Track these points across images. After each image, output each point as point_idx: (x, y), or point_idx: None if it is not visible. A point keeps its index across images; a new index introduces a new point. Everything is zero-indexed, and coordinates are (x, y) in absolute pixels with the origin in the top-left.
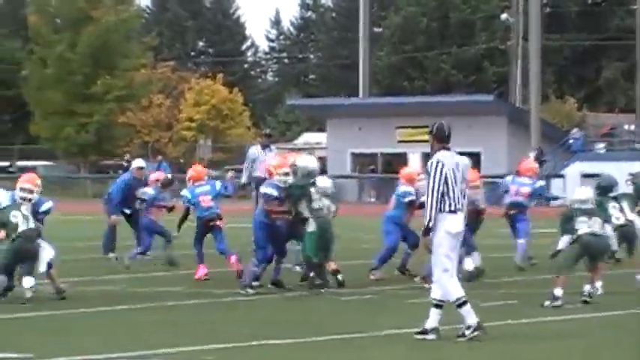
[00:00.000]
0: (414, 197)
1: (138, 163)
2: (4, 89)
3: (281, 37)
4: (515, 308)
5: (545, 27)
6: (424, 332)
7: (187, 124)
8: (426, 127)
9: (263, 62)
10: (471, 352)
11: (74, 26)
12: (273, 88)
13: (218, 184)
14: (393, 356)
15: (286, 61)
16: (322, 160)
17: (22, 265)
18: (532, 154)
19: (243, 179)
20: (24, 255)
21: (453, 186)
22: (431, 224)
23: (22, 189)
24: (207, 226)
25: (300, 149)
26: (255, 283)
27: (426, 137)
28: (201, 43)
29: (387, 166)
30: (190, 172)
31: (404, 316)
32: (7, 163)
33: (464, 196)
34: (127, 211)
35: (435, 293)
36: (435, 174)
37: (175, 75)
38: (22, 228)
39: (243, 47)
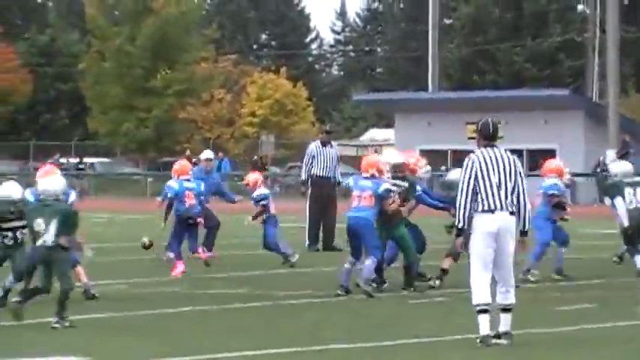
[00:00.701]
0: (556, 191)
1: (206, 154)
2: (61, 83)
3: (347, 29)
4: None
5: (623, 18)
6: (497, 336)
7: (249, 120)
8: (499, 123)
9: (328, 55)
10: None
11: (133, 19)
12: (338, 82)
13: (202, 186)
14: None
15: (352, 54)
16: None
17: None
18: (611, 152)
19: (303, 176)
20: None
21: (486, 184)
22: (460, 225)
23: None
24: (186, 223)
25: (366, 146)
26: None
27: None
28: (264, 36)
29: (457, 164)
30: (175, 167)
31: (473, 320)
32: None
33: (513, 194)
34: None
35: (506, 299)
36: (464, 173)
37: (237, 69)
38: (43, 239)
39: (308, 40)
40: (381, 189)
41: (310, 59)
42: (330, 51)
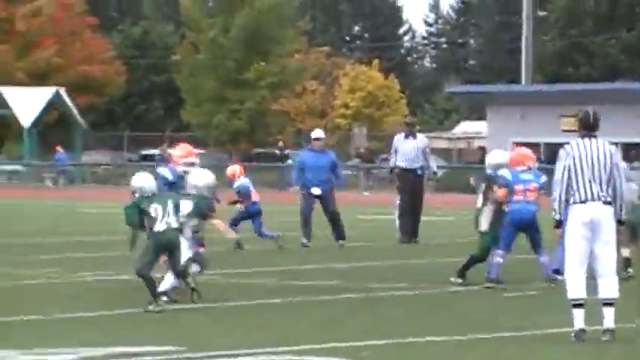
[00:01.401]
0: None
1: (316, 133)
2: (155, 75)
3: (440, 22)
4: None
5: None
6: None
7: (342, 112)
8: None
9: (420, 47)
10: None
11: (227, 10)
12: (430, 74)
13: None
14: (556, 356)
15: (445, 46)
16: (482, 150)
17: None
18: None
19: (391, 164)
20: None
21: (579, 176)
22: (557, 217)
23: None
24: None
25: (458, 139)
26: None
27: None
28: (356, 28)
29: (551, 157)
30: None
31: (567, 315)
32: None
33: (608, 185)
34: (317, 192)
35: (606, 292)
36: (559, 164)
37: (330, 61)
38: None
39: (400, 32)
40: (542, 180)
41: (403, 51)
42: (422, 43)
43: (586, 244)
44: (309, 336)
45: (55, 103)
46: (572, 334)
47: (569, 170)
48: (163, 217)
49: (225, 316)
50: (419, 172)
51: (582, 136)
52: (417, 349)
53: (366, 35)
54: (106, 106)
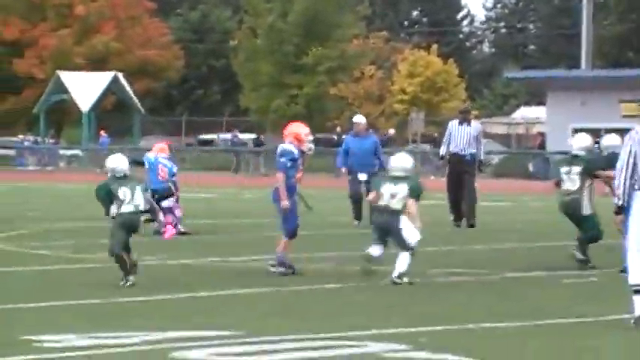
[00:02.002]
0: None
1: (356, 118)
2: (214, 60)
3: (499, 6)
4: None
5: None
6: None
7: (400, 97)
8: None
9: (479, 32)
10: None
11: None
12: (489, 59)
13: (175, 168)
14: (611, 344)
15: (504, 31)
16: (541, 135)
17: None
18: None
19: (441, 153)
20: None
21: None
22: (620, 203)
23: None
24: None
25: (517, 124)
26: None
27: None
28: (415, 13)
29: None
30: (160, 146)
31: (624, 301)
32: (214, 136)
33: None
34: (363, 178)
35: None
36: (623, 150)
37: (388, 45)
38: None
39: (459, 17)
40: None
41: (461, 36)
42: (481, 28)
43: None
44: (367, 322)
45: (113, 88)
46: (632, 321)
47: (635, 156)
48: (131, 200)
49: (283, 302)
50: (468, 158)
51: None
52: (476, 335)
53: (425, 20)
54: (164, 90)
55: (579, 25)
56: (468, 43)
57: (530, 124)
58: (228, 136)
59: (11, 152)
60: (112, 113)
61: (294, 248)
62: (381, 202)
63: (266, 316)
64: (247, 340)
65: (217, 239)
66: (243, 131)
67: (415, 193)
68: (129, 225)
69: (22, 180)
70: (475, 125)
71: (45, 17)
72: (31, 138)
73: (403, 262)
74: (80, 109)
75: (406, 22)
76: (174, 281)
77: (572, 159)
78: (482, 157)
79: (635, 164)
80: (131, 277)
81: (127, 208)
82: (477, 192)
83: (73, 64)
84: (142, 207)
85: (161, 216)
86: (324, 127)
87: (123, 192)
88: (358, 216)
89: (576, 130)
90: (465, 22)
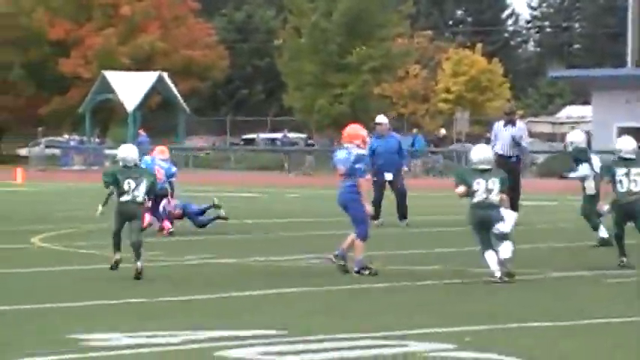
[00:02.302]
0: None
1: (378, 118)
2: (258, 59)
3: (544, 5)
4: None
5: None
6: None
7: (444, 96)
8: None
9: (524, 31)
10: None
11: None
12: (534, 58)
13: (174, 169)
14: None
15: (549, 30)
16: (587, 134)
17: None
18: None
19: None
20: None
21: None
22: None
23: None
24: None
25: (562, 123)
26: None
27: None
28: (459, 12)
29: None
30: (160, 148)
31: None
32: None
33: None
34: (389, 178)
35: None
36: None
37: (432, 45)
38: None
39: (504, 16)
40: None
41: (506, 35)
42: (526, 27)
43: None
44: (412, 321)
45: (158, 88)
46: None
47: None
48: (133, 190)
49: (326, 301)
50: (514, 159)
51: None
52: (520, 334)
53: (469, 19)
54: (209, 90)
55: (624, 24)
56: (512, 42)
57: (575, 124)
58: (273, 135)
59: (57, 152)
60: (157, 113)
61: (335, 247)
62: (477, 198)
63: (309, 315)
64: (290, 339)
65: (261, 239)
66: (289, 131)
67: (505, 185)
68: (125, 214)
69: (67, 180)
70: (519, 126)
71: (91, 17)
72: (77, 138)
73: (507, 250)
74: (125, 109)
75: (451, 22)
76: (218, 280)
77: (627, 161)
78: (521, 156)
79: None
80: (116, 267)
81: (124, 198)
82: (520, 191)
83: (118, 63)
84: (139, 199)
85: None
86: (368, 127)
87: (127, 183)
88: (377, 216)
89: (621, 130)
90: (510, 21)
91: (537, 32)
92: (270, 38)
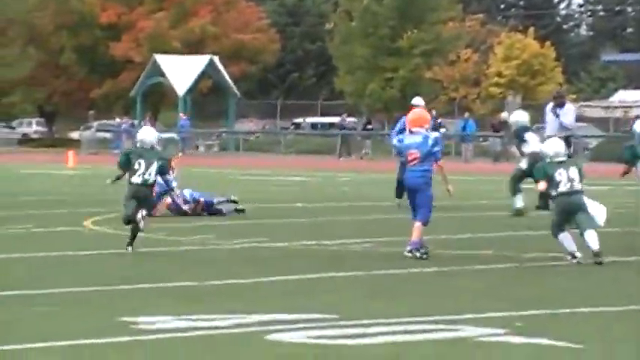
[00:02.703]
0: None
1: (416, 100)
2: (309, 43)
3: None
4: None
5: None
6: None
7: (496, 80)
8: None
9: (576, 15)
10: None
11: None
12: (587, 42)
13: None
14: None
15: (602, 13)
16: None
17: None
18: None
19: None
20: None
21: None
22: None
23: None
24: None
25: (615, 107)
26: None
27: None
28: None
29: None
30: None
31: None
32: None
33: None
34: None
35: None
36: None
37: (484, 28)
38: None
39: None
40: None
41: (558, 19)
42: (578, 11)
43: None
44: (463, 306)
45: (209, 72)
46: None
47: None
48: (144, 172)
49: (379, 285)
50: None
51: None
52: (572, 320)
53: (522, 3)
54: (260, 74)
55: None
56: (565, 26)
57: (628, 108)
58: (327, 119)
59: (108, 135)
60: (207, 97)
61: (392, 231)
62: (562, 189)
63: (361, 299)
64: (342, 323)
65: (312, 222)
66: (339, 114)
67: (583, 175)
68: (136, 195)
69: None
70: (568, 107)
71: (142, 1)
72: (128, 121)
73: (595, 238)
74: (176, 93)
75: (503, 5)
76: (269, 264)
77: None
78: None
79: None
80: (130, 248)
81: (135, 179)
82: None
83: (169, 47)
84: (151, 181)
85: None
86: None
87: (138, 163)
88: (400, 195)
89: None
90: (563, 5)
91: (590, 16)
92: (321, 22)
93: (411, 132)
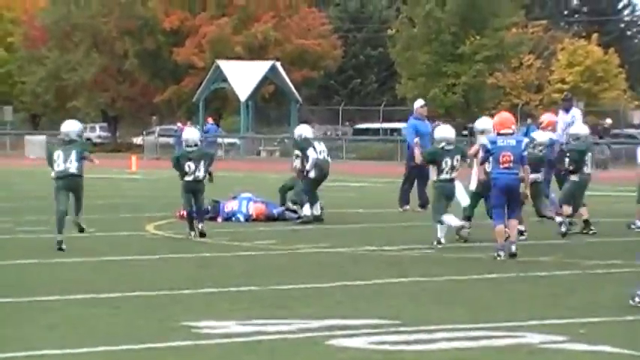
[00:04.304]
0: None
1: (418, 102)
2: (371, 49)
3: None
4: None
5: None
6: None
7: (559, 87)
8: None
9: None
10: None
11: None
12: None
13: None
14: None
15: None
16: None
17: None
18: None
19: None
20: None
21: None
22: None
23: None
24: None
25: None
26: None
27: None
28: (575, 2)
29: None
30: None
31: None
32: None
33: None
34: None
35: None
36: None
37: (547, 35)
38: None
39: (620, 6)
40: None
41: (622, 26)
42: None
43: None
44: (525, 312)
45: (271, 77)
46: None
47: None
48: (194, 172)
49: (440, 291)
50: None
51: None
52: (634, 327)
53: (585, 9)
54: (322, 79)
55: None
56: (629, 32)
57: None
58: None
59: (171, 141)
60: (269, 102)
61: (453, 237)
62: (445, 176)
63: (422, 305)
64: (404, 329)
65: (373, 228)
66: (399, 120)
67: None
68: (191, 190)
69: None
70: (573, 112)
71: (205, 6)
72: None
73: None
74: (238, 98)
75: (566, 11)
76: (330, 269)
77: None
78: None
79: None
80: (193, 233)
81: (188, 178)
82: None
83: (232, 52)
84: (201, 177)
85: None
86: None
87: (188, 165)
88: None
89: None
90: (627, 12)
91: None
92: (383, 27)
93: (499, 134)
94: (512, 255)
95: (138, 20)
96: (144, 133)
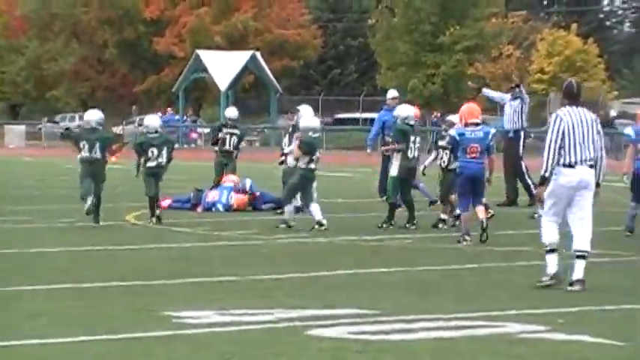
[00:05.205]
0: None
1: (391, 93)
2: (351, 39)
3: None
4: None
5: None
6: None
7: (538, 77)
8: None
9: (620, 12)
10: None
11: None
12: (630, 39)
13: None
14: None
15: None
16: None
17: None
18: None
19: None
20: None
21: (571, 140)
22: (547, 174)
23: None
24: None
25: None
26: None
27: None
28: None
29: None
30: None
31: None
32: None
33: (595, 149)
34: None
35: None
36: (552, 128)
37: (527, 25)
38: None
39: None
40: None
41: (601, 16)
42: (622, 7)
43: (565, 203)
44: (505, 302)
45: (250, 67)
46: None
47: (563, 134)
48: (156, 157)
49: (420, 281)
50: (511, 134)
51: (568, 105)
52: (614, 317)
53: None
54: (301, 69)
55: None
56: (608, 23)
57: None
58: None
59: None
60: (249, 92)
61: (432, 228)
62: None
63: (402, 295)
64: (383, 319)
65: (353, 218)
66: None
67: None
68: (152, 175)
69: None
70: (520, 99)
71: None
72: (173, 114)
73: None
74: (218, 88)
75: (545, 2)
76: (310, 259)
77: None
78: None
79: (562, 142)
80: (154, 219)
81: (151, 164)
82: (520, 170)
83: (211, 42)
84: (163, 163)
85: None
86: (458, 107)
87: (151, 151)
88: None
89: None
90: (606, 2)
91: (634, 12)
92: (363, 17)
93: (466, 125)
94: (484, 230)
95: (118, 10)
96: (124, 122)
